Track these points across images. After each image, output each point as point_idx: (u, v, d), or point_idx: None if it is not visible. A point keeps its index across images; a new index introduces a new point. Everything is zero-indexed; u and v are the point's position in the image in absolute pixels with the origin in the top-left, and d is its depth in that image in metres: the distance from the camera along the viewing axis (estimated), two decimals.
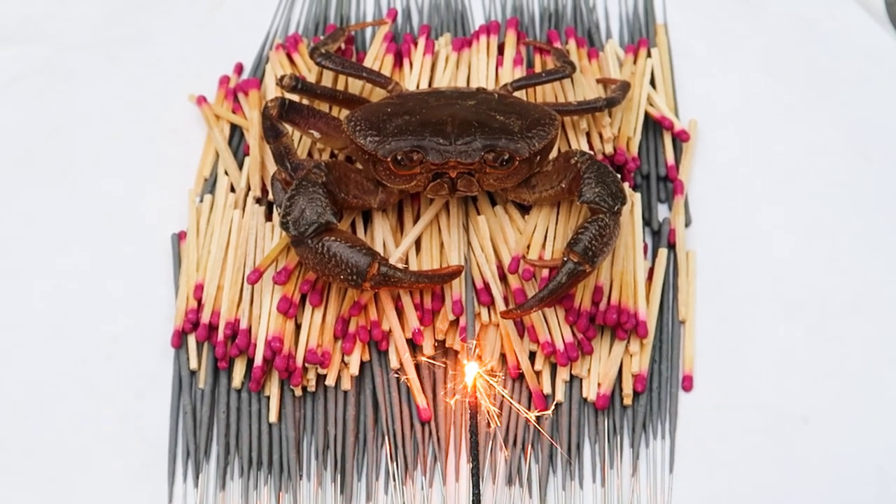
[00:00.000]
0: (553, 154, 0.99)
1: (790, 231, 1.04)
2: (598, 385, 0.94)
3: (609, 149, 1.03)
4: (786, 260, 1.03)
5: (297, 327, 0.95)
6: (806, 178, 1.08)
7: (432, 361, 0.94)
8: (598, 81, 1.09)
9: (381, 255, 0.93)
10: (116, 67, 1.16)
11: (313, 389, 0.94)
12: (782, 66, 1.16)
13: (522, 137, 0.93)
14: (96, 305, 1.00)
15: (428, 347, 0.94)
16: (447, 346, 0.95)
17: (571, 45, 1.12)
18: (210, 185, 1.06)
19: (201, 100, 1.11)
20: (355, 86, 1.07)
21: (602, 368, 0.94)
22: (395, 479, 0.91)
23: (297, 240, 0.91)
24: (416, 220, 0.99)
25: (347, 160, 1.02)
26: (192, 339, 0.96)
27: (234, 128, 1.09)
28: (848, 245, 1.04)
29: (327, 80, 1.08)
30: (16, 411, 0.95)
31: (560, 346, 0.93)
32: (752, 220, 1.05)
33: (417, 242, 0.98)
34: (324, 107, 1.04)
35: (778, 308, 1.00)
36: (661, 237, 1.03)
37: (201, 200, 1.04)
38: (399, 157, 0.92)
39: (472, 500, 0.87)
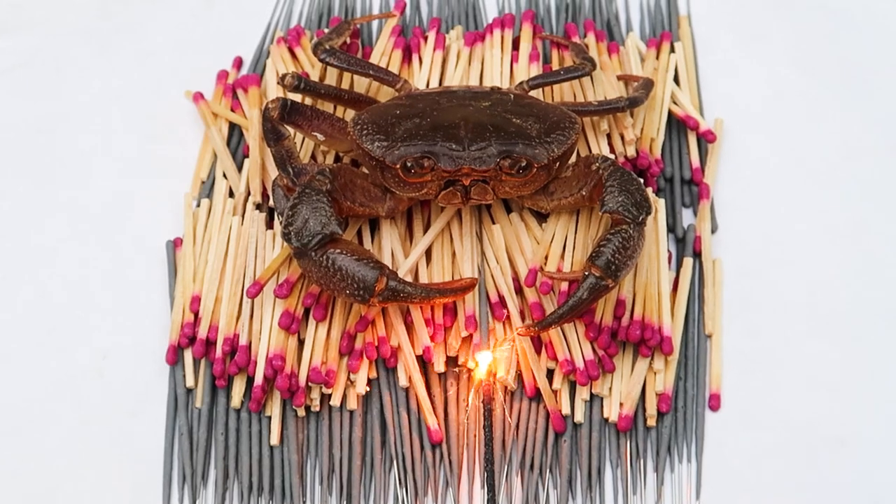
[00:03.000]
0: (572, 159, 0.96)
1: (824, 238, 1.02)
2: (621, 405, 0.92)
3: (631, 151, 1.00)
4: (819, 269, 1.00)
5: (300, 343, 0.92)
6: (840, 181, 1.05)
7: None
8: (620, 78, 1.06)
9: (390, 267, 0.91)
10: (107, 61, 1.14)
11: (317, 409, 0.92)
12: (814, 61, 1.13)
13: (541, 142, 0.90)
14: (85, 318, 0.98)
15: (439, 365, 0.92)
16: (460, 364, 0.92)
17: (590, 38, 1.09)
18: (207, 189, 1.03)
19: (198, 96, 1.08)
20: (361, 84, 1.05)
21: (624, 387, 0.92)
22: None
23: (300, 252, 0.88)
24: (426, 228, 0.97)
25: (353, 164, 0.99)
26: (188, 355, 0.94)
27: (233, 127, 1.06)
28: (886, 253, 1.01)
29: (331, 77, 1.05)
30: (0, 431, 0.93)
31: (580, 363, 0.91)
32: (783, 227, 1.03)
33: (428, 252, 0.96)
34: (328, 107, 1.01)
35: (811, 321, 0.98)
36: (685, 245, 1.00)
37: (198, 205, 1.01)
38: (409, 164, 0.89)
39: None
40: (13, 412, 0.93)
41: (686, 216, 1.02)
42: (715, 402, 0.93)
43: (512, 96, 0.95)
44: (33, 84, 1.11)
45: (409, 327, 0.92)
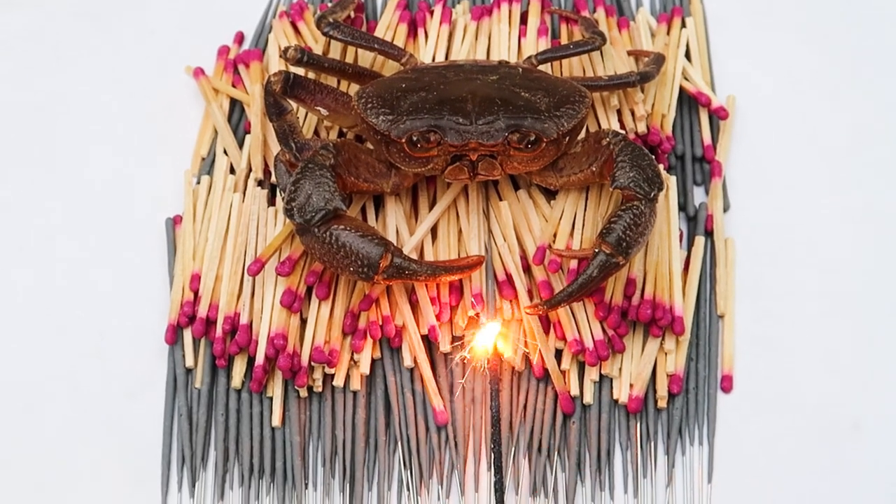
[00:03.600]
0: (582, 135, 0.94)
1: (837, 217, 1.01)
2: (631, 386, 0.91)
3: (642, 127, 0.99)
4: (834, 248, 0.99)
5: (303, 322, 0.91)
6: (854, 160, 1.04)
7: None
8: (630, 54, 1.04)
9: (394, 244, 0.89)
10: (107, 36, 1.12)
11: (320, 390, 0.91)
12: (827, 38, 1.11)
13: (550, 116, 0.89)
14: (83, 298, 0.97)
15: (445, 345, 0.91)
16: (466, 342, 0.91)
17: (600, 13, 1.07)
18: (208, 166, 1.02)
19: (199, 72, 1.06)
20: (366, 58, 1.03)
21: (634, 368, 0.91)
22: (408, 489, 0.89)
23: (303, 228, 0.86)
24: (431, 205, 0.95)
25: (357, 140, 0.97)
26: (187, 335, 0.93)
27: (235, 103, 1.05)
28: None
29: (335, 51, 1.04)
30: None
31: (589, 343, 0.90)
32: (796, 206, 1.01)
33: (433, 230, 0.94)
34: (332, 81, 1.00)
35: (825, 301, 0.97)
36: (697, 224, 0.99)
37: (198, 182, 1.00)
38: (414, 138, 0.88)
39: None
40: (11, 393, 0.93)
41: (698, 194, 1.01)
42: (727, 384, 0.92)
43: (520, 70, 0.94)
44: (32, 61, 1.10)
45: (415, 306, 0.91)
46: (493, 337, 0.88)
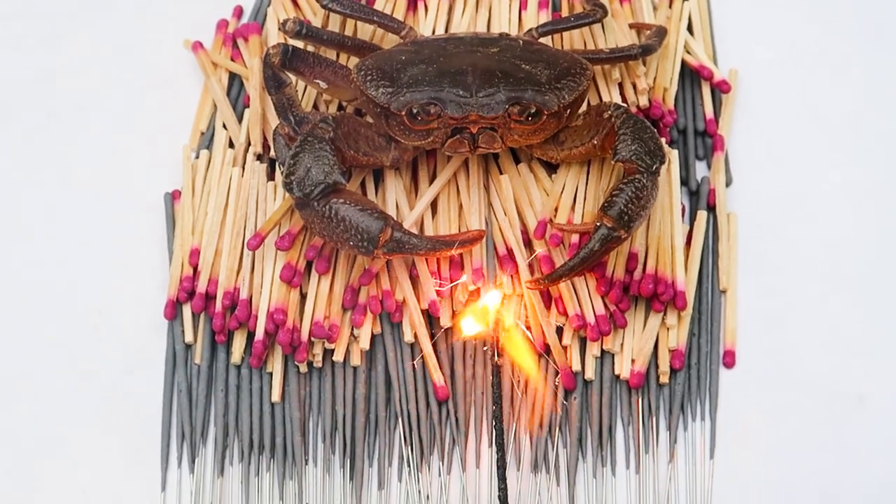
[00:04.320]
0: (583, 108, 0.94)
1: (841, 192, 1.00)
2: (632, 361, 0.90)
3: (644, 101, 0.98)
4: (837, 222, 0.99)
5: (303, 297, 0.91)
6: (858, 134, 1.03)
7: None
8: (631, 27, 1.03)
9: (394, 218, 0.88)
10: (105, 10, 1.11)
11: (320, 365, 0.90)
12: (832, 11, 1.10)
13: (551, 89, 0.88)
14: (80, 273, 0.96)
15: (445, 319, 0.90)
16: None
17: None
18: (207, 140, 1.01)
19: (197, 46, 1.05)
20: (365, 31, 1.02)
21: (636, 343, 0.91)
22: (409, 465, 0.88)
23: (302, 202, 0.86)
24: (432, 179, 0.95)
25: (357, 113, 0.97)
26: (187, 310, 0.93)
27: (233, 77, 1.04)
28: None
29: (334, 24, 1.03)
30: None
31: (591, 318, 0.89)
32: (800, 180, 1.01)
33: (434, 204, 0.94)
34: (331, 54, 0.99)
35: (828, 276, 0.96)
36: (699, 198, 0.98)
37: (197, 156, 0.99)
38: (414, 111, 0.87)
39: (499, 490, 0.83)
40: (8, 370, 0.92)
41: (700, 169, 1.00)
42: (729, 359, 0.92)
43: (521, 42, 0.93)
44: (29, 35, 1.09)
45: (415, 281, 0.90)
46: (493, 307, 0.88)
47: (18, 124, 1.04)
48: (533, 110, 0.87)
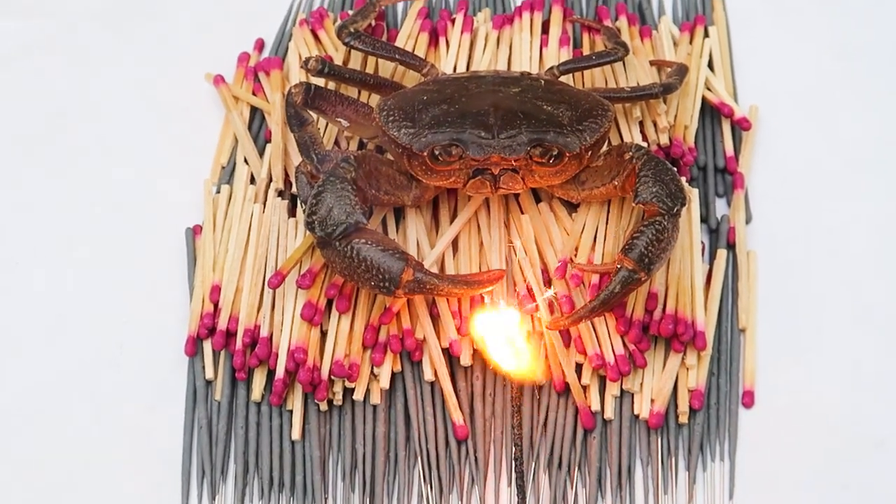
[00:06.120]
0: (604, 148, 0.94)
1: (862, 229, 1.00)
2: (652, 401, 0.90)
3: (664, 139, 0.98)
4: (858, 261, 0.98)
5: (323, 335, 0.90)
6: (881, 171, 1.03)
7: None
8: (652, 64, 1.03)
9: (415, 258, 0.88)
10: (126, 43, 1.12)
11: (340, 404, 0.90)
12: (853, 46, 1.10)
13: (573, 130, 0.88)
14: (102, 308, 0.96)
15: (466, 358, 0.90)
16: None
17: (622, 22, 1.07)
18: (228, 175, 1.01)
19: (219, 79, 1.05)
20: (386, 67, 1.02)
21: (656, 383, 0.90)
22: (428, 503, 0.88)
23: (324, 241, 0.86)
24: (452, 218, 0.94)
25: (378, 150, 0.97)
26: (207, 347, 0.92)
27: (255, 111, 1.04)
28: None
29: (356, 60, 1.03)
30: (11, 425, 0.92)
31: (610, 358, 0.89)
32: (820, 217, 1.01)
33: (454, 243, 0.94)
34: (352, 92, 0.99)
35: (850, 315, 0.96)
36: (719, 236, 0.98)
37: (218, 191, 0.99)
38: (436, 152, 0.87)
39: None
40: (29, 404, 0.92)
41: (720, 206, 1.00)
42: (749, 399, 0.91)
43: (542, 82, 0.93)
44: (52, 68, 1.10)
45: (435, 319, 0.90)
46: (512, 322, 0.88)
47: (43, 157, 1.04)
48: (555, 152, 0.87)
